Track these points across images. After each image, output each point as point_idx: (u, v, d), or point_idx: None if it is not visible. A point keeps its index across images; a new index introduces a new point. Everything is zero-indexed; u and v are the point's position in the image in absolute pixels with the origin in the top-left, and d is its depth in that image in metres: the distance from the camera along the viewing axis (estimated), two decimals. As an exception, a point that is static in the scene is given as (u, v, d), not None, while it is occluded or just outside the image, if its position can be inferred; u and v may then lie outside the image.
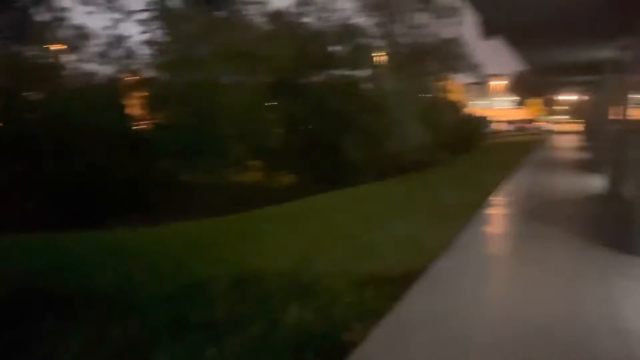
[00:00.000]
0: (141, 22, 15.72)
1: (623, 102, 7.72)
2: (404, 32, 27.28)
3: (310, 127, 17.67)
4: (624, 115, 7.37)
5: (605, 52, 10.26)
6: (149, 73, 16.62)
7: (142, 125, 16.32)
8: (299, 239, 6.52)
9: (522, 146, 26.01)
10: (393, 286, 4.35)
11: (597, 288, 4.20)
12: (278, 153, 16.61)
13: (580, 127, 32.12)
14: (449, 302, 3.94)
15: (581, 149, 21.65)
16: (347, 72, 19.48)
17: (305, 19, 19.78)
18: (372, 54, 21.94)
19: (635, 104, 8.32)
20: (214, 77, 15.45)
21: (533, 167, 14.79)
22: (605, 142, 12.02)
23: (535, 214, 7.48)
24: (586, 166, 14.11)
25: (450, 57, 26.26)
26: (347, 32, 19.92)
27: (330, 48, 19.69)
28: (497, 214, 7.61)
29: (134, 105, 16.44)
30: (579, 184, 10.71)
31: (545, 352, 3.09)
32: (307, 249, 5.83)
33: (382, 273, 4.81)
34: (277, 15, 18.87)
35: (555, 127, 52.98)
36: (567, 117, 70.95)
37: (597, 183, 10.50)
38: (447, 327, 3.48)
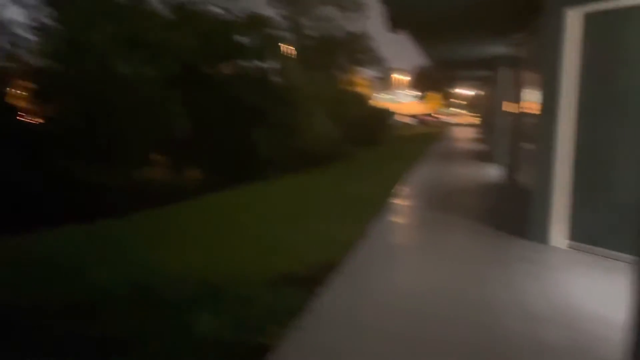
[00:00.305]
0: (28, 5, 14.19)
1: (516, 97, 8.20)
2: (311, 24, 27.32)
3: (218, 120, 17.09)
4: (517, 108, 7.84)
5: (501, 48, 10.91)
6: (38, 62, 15.10)
7: (31, 120, 14.80)
8: (207, 239, 6.16)
9: (425, 138, 27.28)
10: (309, 284, 4.21)
11: (496, 271, 4.38)
12: (184, 148, 15.87)
13: (477, 120, 34.36)
14: (364, 295, 3.88)
15: (478, 140, 23.15)
16: (255, 64, 19.09)
17: (211, 8, 19.05)
18: (280, 46, 21.72)
19: (528, 98, 8.92)
20: (110, 67, 14.35)
21: (435, 158, 15.48)
22: (500, 134, 12.87)
23: (439, 203, 7.74)
24: (483, 156, 15.06)
25: (357, 50, 26.80)
26: (254, 22, 19.50)
27: (237, 39, 19.17)
28: (405, 205, 7.78)
29: (21, 97, 14.84)
30: (478, 173, 11.34)
31: (455, 331, 3.14)
32: (214, 248, 5.52)
33: (296, 270, 4.66)
34: (181, 3, 17.98)
35: (455, 120, 56.36)
36: (465, 110, 75.74)
37: (493, 172, 11.19)
38: (363, 319, 3.42)
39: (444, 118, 58.37)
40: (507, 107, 10.38)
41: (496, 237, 5.58)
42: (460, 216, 6.68)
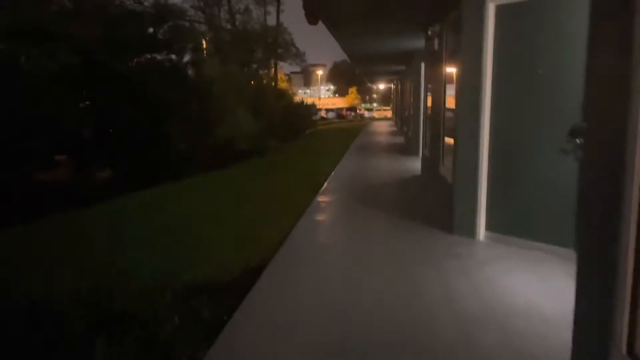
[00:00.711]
0: None
1: (435, 90, 8.21)
2: (227, 17, 26.42)
3: (128, 116, 15.95)
4: (437, 102, 7.84)
5: (419, 41, 10.99)
6: None
7: None
8: (107, 248, 5.52)
9: (346, 133, 27.43)
10: (230, 291, 3.81)
11: (423, 267, 4.24)
12: (90, 146, 14.62)
13: (394, 113, 35.16)
14: (292, 296, 3.54)
15: (398, 134, 23.62)
16: (167, 57, 18.06)
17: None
18: (195, 38, 20.77)
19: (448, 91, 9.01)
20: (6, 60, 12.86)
21: (358, 151, 15.48)
22: (419, 128, 13.06)
23: (364, 198, 7.59)
24: (404, 149, 15.28)
25: (276, 44, 26.30)
26: (165, 13, 18.43)
27: (148, 30, 18.00)
28: (330, 200, 7.54)
29: None
30: (401, 166, 11.39)
31: (381, 332, 2.88)
32: (120, 260, 4.91)
33: (220, 277, 4.24)
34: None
35: (375, 114, 57.60)
36: (384, 104, 77.83)
37: (415, 165, 11.29)
38: (284, 323, 3.07)
39: (363, 112, 59.40)
40: (427, 100, 10.48)
41: (422, 232, 5.45)
42: (385, 211, 6.54)
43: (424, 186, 8.39)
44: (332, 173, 10.29)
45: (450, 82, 6.75)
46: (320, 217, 6.36)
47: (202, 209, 7.77)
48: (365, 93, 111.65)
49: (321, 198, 7.60)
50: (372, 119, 52.87)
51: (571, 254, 4.30)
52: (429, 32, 6.98)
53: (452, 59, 6.41)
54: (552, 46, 4.33)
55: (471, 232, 5.06)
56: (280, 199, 7.91)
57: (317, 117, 42.87)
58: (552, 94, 4.36)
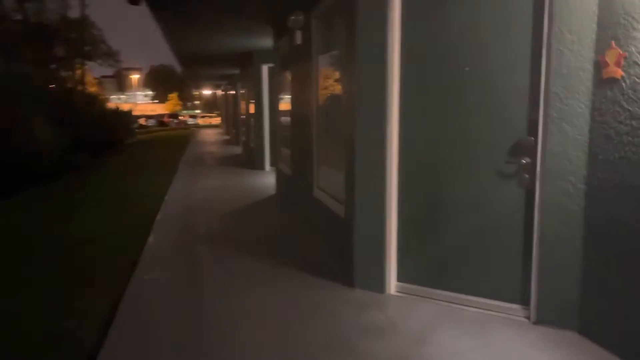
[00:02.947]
0: None
1: (297, 95, 6.89)
2: (16, 7, 21.82)
3: None
4: (301, 109, 6.52)
5: (260, 41, 9.56)
6: None
7: None
8: None
9: (171, 143, 24.83)
10: None
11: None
12: None
13: (224, 121, 33.42)
14: None
15: (232, 143, 21.94)
16: None
17: None
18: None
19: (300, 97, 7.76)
20: None
21: (191, 166, 13.46)
22: (262, 137, 11.68)
23: (216, 236, 5.90)
24: (243, 162, 13.72)
25: (81, 41, 22.43)
26: None
27: None
28: (167, 245, 5.66)
29: None
30: (246, 184, 9.84)
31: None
32: None
33: None
34: None
35: (203, 122, 54.65)
36: (207, 111, 75.28)
37: (264, 181, 9.86)
38: None
39: (190, 120, 56.10)
40: (276, 107, 9.11)
41: (312, 288, 4.00)
42: (250, 256, 4.93)
43: (292, 215, 6.95)
44: (165, 200, 8.22)
45: (327, 84, 5.45)
46: (160, 275, 4.46)
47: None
48: (187, 99, 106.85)
49: (156, 238, 5.64)
50: (197, 126, 50.16)
51: (519, 311, 3.27)
52: (290, 23, 5.58)
53: (329, 55, 5.10)
54: (483, 33, 3.26)
55: (378, 284, 3.77)
56: (91, 246, 5.70)
57: (137, 125, 38.81)
58: (484, 100, 3.29)
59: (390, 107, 3.57)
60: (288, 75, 7.06)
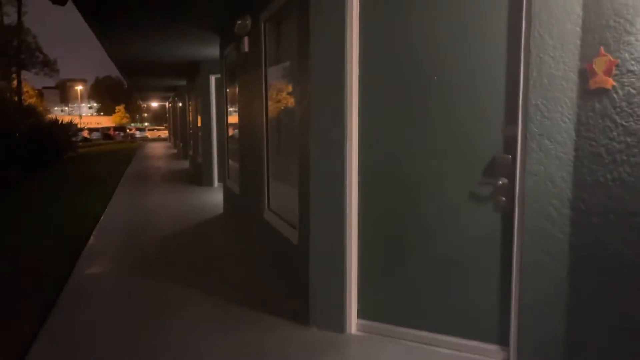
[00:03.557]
0: None
1: (246, 107, 6.39)
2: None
3: None
4: (251, 122, 6.01)
5: (207, 50, 9.00)
6: None
7: None
8: None
9: (116, 156, 23.61)
10: None
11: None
12: None
13: (172, 134, 32.34)
14: None
15: (179, 157, 21.03)
16: None
17: None
18: None
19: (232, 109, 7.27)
20: None
21: (135, 182, 12.60)
22: (211, 152, 11.04)
23: (159, 264, 5.26)
24: (192, 178, 13.00)
25: (15, 48, 21.04)
26: None
27: None
28: (96, 289, 4.99)
29: None
30: (195, 203, 9.17)
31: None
32: None
33: None
34: None
35: (147, 134, 52.90)
36: (156, 124, 73.33)
37: (213, 201, 9.23)
38: None
39: (134, 132, 54.12)
40: (225, 120, 8.55)
41: (262, 328, 3.48)
42: (188, 288, 4.34)
43: (240, 239, 6.38)
44: (100, 222, 7.46)
45: (279, 94, 4.98)
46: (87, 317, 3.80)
47: None
48: (135, 111, 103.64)
49: (84, 272, 4.94)
50: (145, 139, 48.47)
51: (498, 352, 2.88)
52: (237, 28, 5.07)
53: (281, 62, 4.62)
54: (452, 36, 2.89)
55: (338, 322, 3.29)
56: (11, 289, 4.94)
57: (79, 137, 36.90)
58: (454, 113, 2.91)
59: (349, 121, 3.14)
60: (237, 86, 6.53)
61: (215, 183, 11.04)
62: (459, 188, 2.92)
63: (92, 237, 6.36)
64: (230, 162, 7.88)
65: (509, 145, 2.76)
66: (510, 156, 2.76)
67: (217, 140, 10.61)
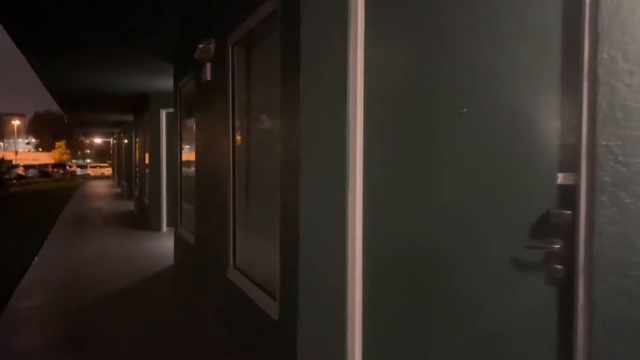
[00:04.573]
0: None
1: (206, 143, 5.60)
2: None
3: None
4: (211, 160, 5.22)
5: (157, 82, 8.18)
6: None
7: None
8: None
9: (52, 196, 21.80)
10: None
11: None
12: None
13: (116, 172, 30.74)
14: None
15: (123, 197, 19.61)
16: None
17: None
18: None
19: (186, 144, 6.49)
20: None
21: (73, 226, 11.30)
22: (160, 195, 10.05)
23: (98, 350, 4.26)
24: (138, 222, 11.83)
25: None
26: None
27: None
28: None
29: None
30: (141, 253, 8.11)
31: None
32: None
33: None
34: None
35: (89, 172, 50.53)
36: (99, 161, 70.40)
37: (163, 248, 8.21)
38: None
39: (75, 169, 51.47)
40: (179, 157, 7.66)
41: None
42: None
43: (195, 303, 5.43)
44: (22, 282, 6.28)
45: (251, 128, 4.23)
46: None
47: None
48: (77, 147, 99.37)
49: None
50: (87, 177, 46.10)
51: None
52: (198, 53, 4.34)
53: (254, 92, 3.89)
54: (487, 55, 2.27)
55: None
56: None
57: (13, 175, 34.40)
58: (490, 157, 2.26)
59: (353, 170, 2.43)
60: (194, 119, 5.73)
61: (164, 227, 9.98)
62: (498, 253, 2.24)
63: (12, 297, 5.25)
64: (184, 204, 6.97)
65: (567, 197, 2.13)
66: (570, 212, 2.12)
67: (168, 180, 9.65)
